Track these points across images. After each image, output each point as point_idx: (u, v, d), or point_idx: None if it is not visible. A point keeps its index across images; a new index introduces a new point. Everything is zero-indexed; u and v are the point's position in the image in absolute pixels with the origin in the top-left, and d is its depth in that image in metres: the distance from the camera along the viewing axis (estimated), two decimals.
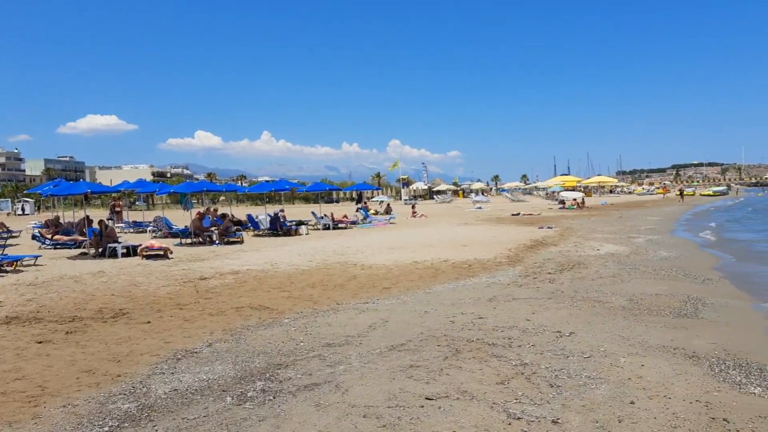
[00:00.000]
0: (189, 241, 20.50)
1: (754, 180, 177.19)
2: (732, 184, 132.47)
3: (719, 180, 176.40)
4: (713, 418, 4.48)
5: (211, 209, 26.58)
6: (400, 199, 73.37)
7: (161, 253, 15.87)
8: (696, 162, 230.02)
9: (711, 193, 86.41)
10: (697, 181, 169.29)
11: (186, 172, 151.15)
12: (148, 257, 15.53)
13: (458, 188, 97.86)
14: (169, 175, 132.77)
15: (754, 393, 5.08)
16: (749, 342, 6.91)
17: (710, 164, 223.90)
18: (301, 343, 7.01)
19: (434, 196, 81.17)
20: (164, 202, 51.11)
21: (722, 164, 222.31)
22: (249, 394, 5.29)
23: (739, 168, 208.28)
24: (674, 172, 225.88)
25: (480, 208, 47.92)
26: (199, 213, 21.67)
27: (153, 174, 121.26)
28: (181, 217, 25.99)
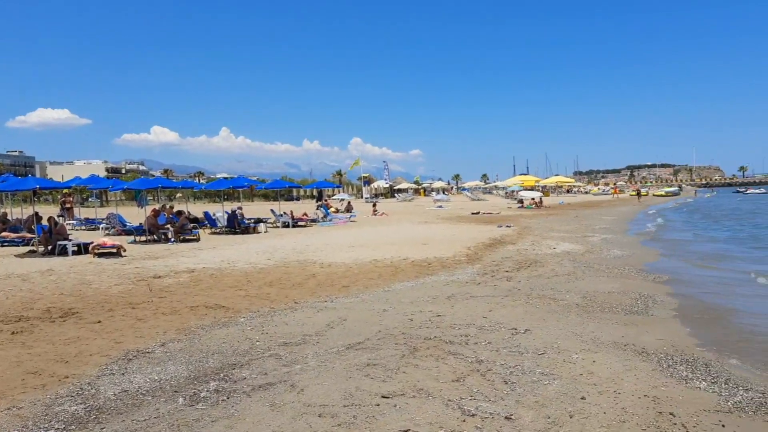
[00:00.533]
0: (143, 238, 20.01)
1: (704, 181, 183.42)
2: (683, 185, 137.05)
3: (671, 181, 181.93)
4: (660, 413, 4.61)
5: (167, 206, 26.05)
6: (362, 197, 73.34)
7: (114, 251, 15.46)
8: (649, 163, 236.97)
9: (663, 193, 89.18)
10: (651, 182, 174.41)
11: (142, 168, 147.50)
12: (100, 255, 15.10)
13: (419, 187, 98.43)
14: (124, 171, 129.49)
15: (700, 387, 5.24)
16: (696, 338, 7.14)
17: (663, 165, 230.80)
18: (257, 343, 6.92)
19: (396, 195, 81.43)
20: (118, 198, 49.87)
21: (674, 165, 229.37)
22: (202, 395, 5.18)
23: (690, 169, 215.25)
24: (629, 173, 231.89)
25: (441, 206, 48.28)
26: (154, 210, 21.20)
27: (107, 170, 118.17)
28: (135, 215, 25.38)
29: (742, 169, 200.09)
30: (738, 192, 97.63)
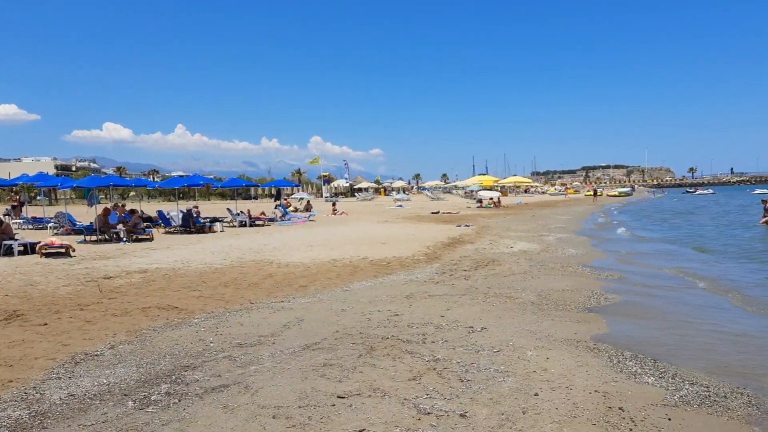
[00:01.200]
0: (94, 238, 19.45)
1: (656, 182, 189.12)
2: (636, 186, 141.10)
3: (625, 181, 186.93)
4: (610, 407, 4.71)
5: (119, 205, 25.39)
6: (322, 196, 73.00)
7: (62, 250, 14.95)
8: (604, 164, 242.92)
9: (617, 193, 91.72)
10: (605, 183, 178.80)
11: (93, 165, 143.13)
12: (47, 255, 14.59)
13: (380, 186, 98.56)
14: (74, 168, 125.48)
15: (648, 382, 5.37)
16: (646, 334, 7.34)
17: (617, 166, 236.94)
18: (211, 344, 6.79)
19: (356, 194, 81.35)
20: (68, 197, 48.37)
21: (628, 166, 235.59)
22: (152, 398, 5.05)
23: (643, 170, 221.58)
24: (584, 174, 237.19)
25: (401, 206, 48.46)
26: (105, 209, 20.59)
27: (57, 167, 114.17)
28: (85, 214, 24.63)
29: (691, 170, 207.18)
30: (687, 192, 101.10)
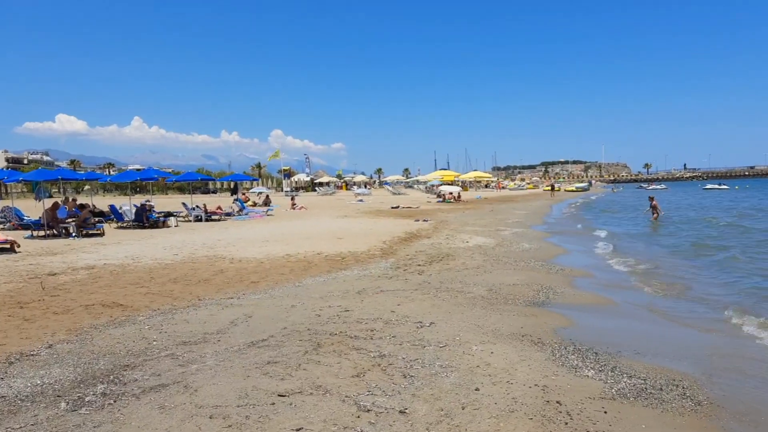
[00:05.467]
0: (42, 233, 18.86)
1: (612, 177, 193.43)
2: (594, 181, 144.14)
3: (583, 177, 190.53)
4: (548, 401, 4.77)
5: (70, 199, 24.67)
6: (282, 190, 72.30)
7: (7, 246, 14.44)
8: (562, 160, 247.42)
9: (574, 188, 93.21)
10: (563, 178, 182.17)
11: (46, 158, 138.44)
12: None
13: (341, 181, 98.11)
14: (26, 161, 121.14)
15: (588, 376, 5.47)
16: (589, 328, 7.49)
17: (575, 162, 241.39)
18: (154, 342, 6.64)
19: (316, 188, 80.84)
20: (19, 191, 46.71)
21: (585, 162, 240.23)
22: (87, 399, 4.90)
23: (600, 166, 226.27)
24: (543, 169, 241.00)
25: (361, 200, 48.37)
26: (54, 203, 19.97)
27: (7, 160, 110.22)
28: (33, 208, 23.82)
29: (646, 165, 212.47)
30: (641, 187, 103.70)
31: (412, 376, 5.34)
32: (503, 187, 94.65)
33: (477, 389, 5.00)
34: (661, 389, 5.19)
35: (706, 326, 7.78)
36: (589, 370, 5.62)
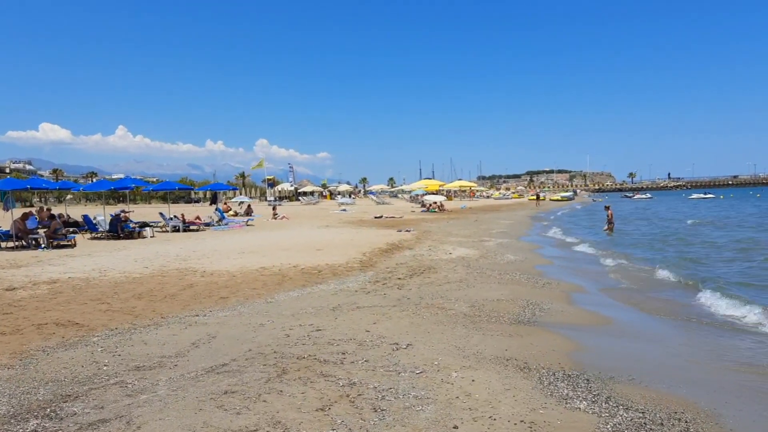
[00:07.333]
0: (11, 244, 18.11)
1: (597, 186, 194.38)
2: (579, 190, 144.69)
3: (568, 186, 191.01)
4: None
5: (44, 209, 23.90)
6: (266, 200, 71.51)
7: None
8: (548, 169, 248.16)
9: (559, 198, 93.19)
10: (548, 187, 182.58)
11: (29, 168, 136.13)
12: None
13: (326, 190, 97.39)
14: (8, 171, 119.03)
15: (579, 408, 4.95)
16: (580, 349, 7.00)
17: (560, 171, 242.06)
18: (105, 367, 6.05)
19: (300, 198, 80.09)
20: None
21: (570, 171, 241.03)
22: None
23: (585, 175, 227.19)
24: (528, 178, 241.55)
25: (345, 210, 47.82)
26: (23, 213, 19.23)
27: None
28: (2, 218, 22.99)
29: (631, 175, 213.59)
30: (626, 197, 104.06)
31: (383, 409, 4.81)
32: (475, 196, 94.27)
33: (455, 427, 4.46)
34: (662, 424, 4.64)
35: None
36: (581, 401, 5.10)
